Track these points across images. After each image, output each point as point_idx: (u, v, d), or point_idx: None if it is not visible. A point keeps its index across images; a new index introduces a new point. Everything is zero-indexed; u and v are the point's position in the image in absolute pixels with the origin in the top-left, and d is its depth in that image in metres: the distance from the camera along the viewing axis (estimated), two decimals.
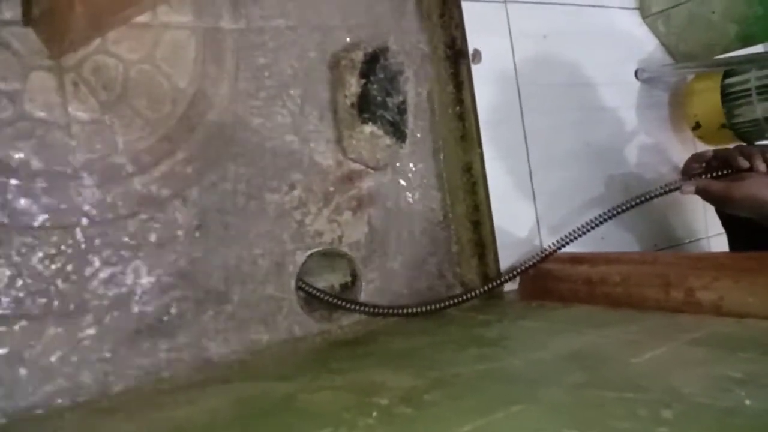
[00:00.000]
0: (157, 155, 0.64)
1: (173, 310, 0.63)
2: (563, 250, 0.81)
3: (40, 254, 0.57)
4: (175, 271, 0.64)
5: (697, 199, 0.88)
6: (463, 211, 0.83)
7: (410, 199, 0.80)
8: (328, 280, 0.75)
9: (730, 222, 0.97)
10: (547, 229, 0.93)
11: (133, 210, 0.62)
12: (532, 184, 0.93)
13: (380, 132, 0.73)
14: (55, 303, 0.57)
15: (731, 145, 0.87)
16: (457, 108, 0.83)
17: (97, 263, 0.60)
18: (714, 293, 0.64)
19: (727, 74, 1.06)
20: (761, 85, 1.01)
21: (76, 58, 0.60)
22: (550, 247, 0.81)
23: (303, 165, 0.73)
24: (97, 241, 0.60)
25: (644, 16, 1.11)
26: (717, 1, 1.03)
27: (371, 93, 0.72)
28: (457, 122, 0.83)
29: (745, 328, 0.58)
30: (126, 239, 0.61)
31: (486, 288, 0.78)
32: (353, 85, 0.73)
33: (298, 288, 0.71)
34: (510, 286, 0.84)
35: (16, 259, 0.56)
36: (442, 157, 0.83)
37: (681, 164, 0.96)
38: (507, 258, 0.83)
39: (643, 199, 0.80)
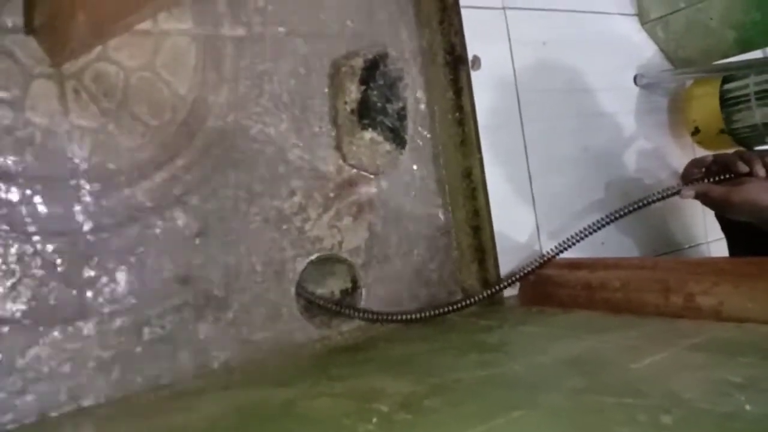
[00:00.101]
0: (158, 162, 0.64)
1: (173, 317, 0.63)
2: (563, 255, 0.81)
3: (40, 261, 0.57)
4: (175, 278, 0.64)
5: (697, 204, 0.88)
6: (463, 217, 0.83)
7: (410, 205, 0.81)
8: (329, 286, 0.75)
9: (729, 227, 0.97)
10: (546, 234, 0.93)
11: (134, 216, 0.62)
12: (531, 190, 0.93)
13: (380, 138, 0.73)
14: (55, 310, 0.58)
15: (730, 150, 0.88)
16: (457, 114, 0.83)
17: (96, 270, 0.60)
18: (714, 298, 0.64)
19: (725, 80, 1.06)
20: (760, 91, 1.01)
21: (78, 65, 0.61)
22: (549, 252, 0.81)
23: (303, 171, 0.73)
24: (97, 248, 0.60)
25: (643, 23, 1.11)
26: (715, 7, 1.04)
27: (371, 99, 0.73)
28: (457, 128, 0.83)
29: (744, 333, 0.58)
30: (126, 246, 0.62)
31: (486, 294, 0.77)
32: (353, 91, 0.73)
33: (298, 294, 0.71)
34: (510, 292, 0.84)
35: (15, 267, 0.56)
36: (441, 163, 0.84)
37: (680, 169, 0.96)
38: (507, 263, 0.83)
39: (642, 203, 0.80)
